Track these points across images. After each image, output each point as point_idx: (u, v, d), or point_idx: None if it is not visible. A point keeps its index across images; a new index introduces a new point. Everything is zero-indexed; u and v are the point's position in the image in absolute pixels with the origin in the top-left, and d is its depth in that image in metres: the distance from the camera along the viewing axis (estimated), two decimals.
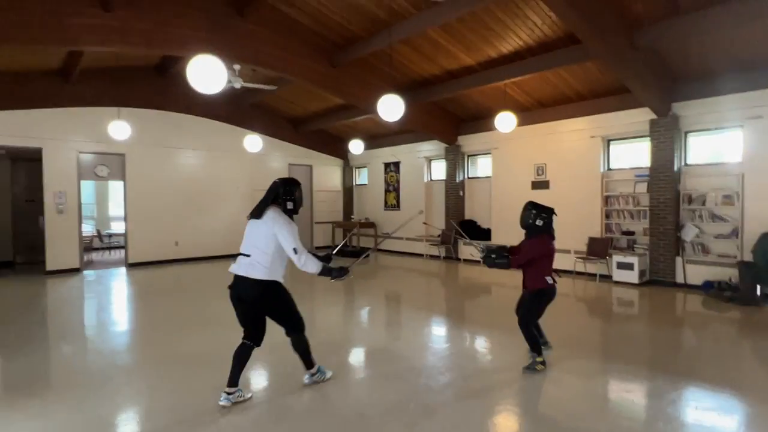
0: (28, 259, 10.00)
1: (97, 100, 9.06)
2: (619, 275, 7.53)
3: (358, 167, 13.87)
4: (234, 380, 3.19)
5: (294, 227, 3.18)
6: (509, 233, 9.51)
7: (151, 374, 3.89)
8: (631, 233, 7.94)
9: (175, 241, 10.40)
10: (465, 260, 10.27)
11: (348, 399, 3.40)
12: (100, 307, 6.72)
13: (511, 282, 7.46)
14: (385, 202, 12.73)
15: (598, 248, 8.04)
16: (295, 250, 3.10)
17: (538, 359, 3.73)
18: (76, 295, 7.48)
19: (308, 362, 3.48)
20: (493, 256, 3.88)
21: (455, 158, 10.61)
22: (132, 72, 9.05)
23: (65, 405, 3.30)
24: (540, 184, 9.11)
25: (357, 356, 4.52)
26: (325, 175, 13.57)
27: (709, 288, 6.63)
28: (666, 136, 7.27)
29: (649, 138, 7.50)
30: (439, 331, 5.36)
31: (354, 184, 14.06)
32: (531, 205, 3.89)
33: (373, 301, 7.03)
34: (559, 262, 8.65)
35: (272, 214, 3.16)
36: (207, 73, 4.43)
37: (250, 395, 3.33)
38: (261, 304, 3.19)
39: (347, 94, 8.67)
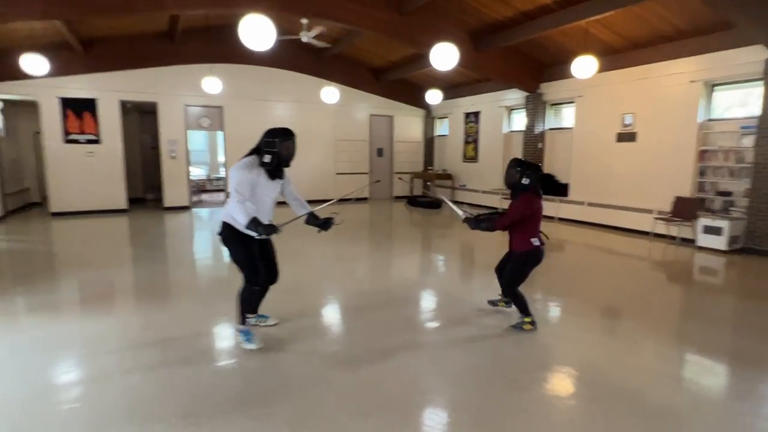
0: (155, 197, 11.97)
1: (197, 58, 10.15)
2: (704, 240, 6.73)
3: (440, 117, 13.69)
4: (254, 308, 3.41)
5: (243, 174, 3.03)
6: (588, 188, 8.94)
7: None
8: (728, 194, 6.94)
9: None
10: None
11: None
12: (198, 236, 8.03)
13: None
14: (464, 154, 12.53)
15: (685, 209, 7.20)
16: (229, 194, 3.16)
17: (526, 319, 3.67)
18: (183, 227, 8.95)
19: (241, 317, 3.31)
20: (480, 217, 3.75)
21: (535, 107, 9.96)
22: (223, 30, 9.88)
23: (186, 302, 4.32)
24: (626, 137, 8.25)
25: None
26: (405, 126, 13.67)
27: None
28: None
29: (762, 81, 6.32)
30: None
31: (435, 134, 13.97)
32: (516, 162, 3.65)
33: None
34: (636, 221, 8.09)
35: (238, 162, 3.14)
36: (257, 32, 4.83)
37: (274, 322, 3.67)
38: (226, 245, 3.23)
39: (417, 42, 8.53)
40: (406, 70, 11.51)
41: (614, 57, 8.09)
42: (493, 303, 4.18)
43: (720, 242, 6.52)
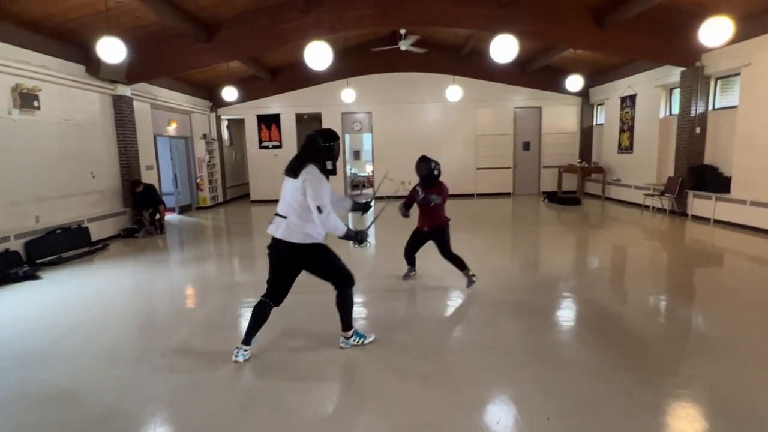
0: None
1: (347, 73, 11.98)
2: None
3: (599, 104, 12.25)
4: (248, 339, 3.12)
5: (325, 185, 2.92)
6: (757, 183, 7.01)
7: None
8: None
9: (402, 181, 12.74)
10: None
11: None
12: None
13: None
14: (619, 144, 11.00)
15: None
16: (319, 209, 2.86)
17: (471, 273, 4.47)
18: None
19: (347, 323, 3.23)
20: (430, 198, 4.37)
21: (691, 84, 8.16)
22: (358, 48, 11.33)
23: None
24: None
25: None
26: (556, 116, 12.76)
27: None
28: None
29: None
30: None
31: (594, 123, 12.57)
32: (424, 159, 4.49)
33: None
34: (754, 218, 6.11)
35: (306, 173, 2.89)
36: (318, 55, 5.94)
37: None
38: (299, 267, 3.07)
39: (524, 32, 8.19)
40: (546, 57, 10.87)
41: None
42: (407, 276, 4.91)
43: None
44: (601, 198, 11.46)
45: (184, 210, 11.21)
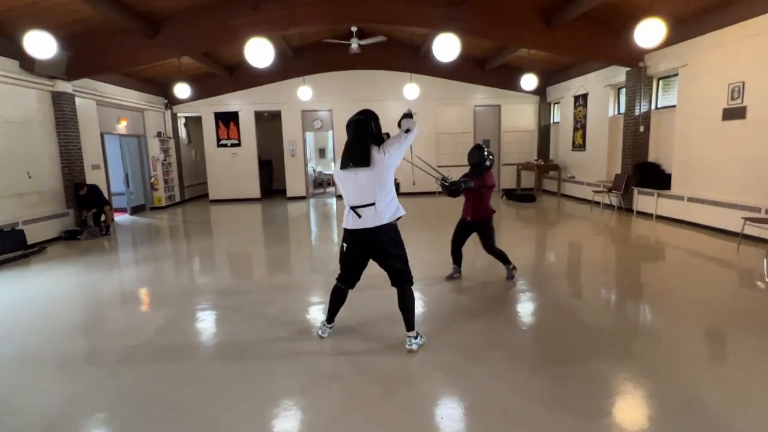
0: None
1: (306, 71, 11.86)
2: None
3: (555, 103, 12.51)
4: (331, 318, 3.31)
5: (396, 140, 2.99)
6: (689, 180, 7.28)
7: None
8: None
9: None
10: None
11: None
12: (309, 219, 9.68)
13: None
14: (573, 142, 11.26)
15: None
16: (408, 131, 3.05)
17: (512, 267, 4.60)
18: (300, 212, 10.79)
19: (411, 322, 3.07)
20: (457, 182, 4.24)
21: (635, 84, 8.42)
22: (316, 46, 11.23)
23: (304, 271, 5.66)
24: (733, 113, 6.42)
25: None
26: (515, 114, 12.96)
27: None
28: None
29: None
30: None
31: (551, 121, 12.82)
32: (478, 147, 4.40)
33: None
34: (713, 218, 6.33)
35: (378, 155, 2.86)
36: (259, 52, 5.84)
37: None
38: (387, 249, 2.98)
39: (473, 30, 8.28)
40: (503, 56, 11.01)
41: (725, 11, 6.38)
42: (450, 277, 4.76)
43: None
44: (557, 195, 11.72)
45: (136, 210, 10.88)
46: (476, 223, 4.46)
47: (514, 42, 9.01)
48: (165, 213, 11.01)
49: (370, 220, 2.89)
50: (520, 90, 12.51)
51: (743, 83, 6.24)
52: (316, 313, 3.95)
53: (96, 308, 4.46)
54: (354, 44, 8.85)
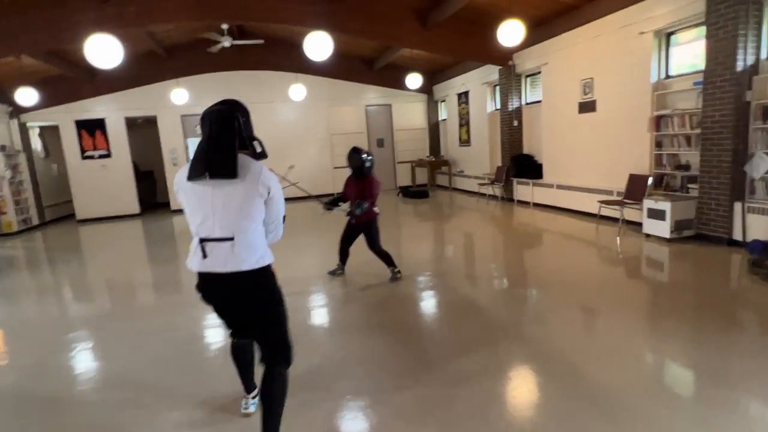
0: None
1: (181, 72, 10.94)
2: (650, 226, 5.56)
3: (442, 101, 12.98)
4: (248, 386, 2.47)
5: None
6: (560, 169, 7.88)
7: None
8: (687, 167, 5.62)
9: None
10: None
11: None
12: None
13: None
14: (459, 137, 11.76)
15: (635, 189, 6.00)
16: (284, 218, 2.16)
17: (396, 270, 4.61)
18: (185, 226, 9.83)
19: (276, 425, 2.01)
20: (355, 205, 4.37)
21: (508, 81, 8.98)
22: (191, 45, 10.43)
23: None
24: (587, 106, 7.09)
25: None
26: (405, 113, 13.21)
27: (757, 250, 4.37)
28: (728, 18, 4.70)
29: (705, 25, 4.98)
30: None
31: (440, 119, 13.30)
32: (356, 150, 4.49)
33: None
34: (578, 202, 6.96)
35: (256, 172, 1.96)
36: (104, 51, 5.13)
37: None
38: (253, 303, 2.02)
39: (349, 29, 8.21)
40: (388, 55, 11.13)
41: (575, 13, 6.98)
42: (333, 273, 4.92)
43: (663, 228, 5.33)
44: (449, 189, 12.17)
45: None
46: (360, 226, 4.62)
47: (392, 41, 9.11)
48: (18, 239, 9.42)
49: (220, 261, 1.92)
50: (408, 89, 12.86)
51: (592, 79, 6.90)
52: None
53: None
54: (227, 43, 8.26)
